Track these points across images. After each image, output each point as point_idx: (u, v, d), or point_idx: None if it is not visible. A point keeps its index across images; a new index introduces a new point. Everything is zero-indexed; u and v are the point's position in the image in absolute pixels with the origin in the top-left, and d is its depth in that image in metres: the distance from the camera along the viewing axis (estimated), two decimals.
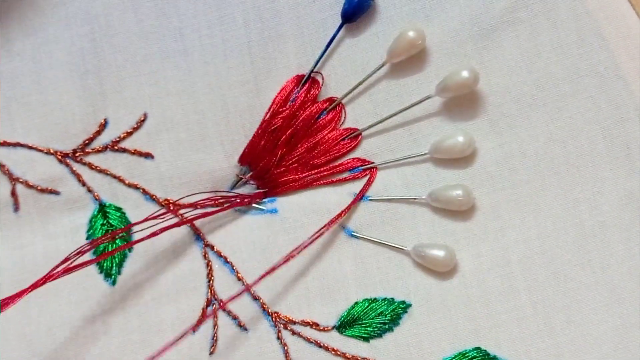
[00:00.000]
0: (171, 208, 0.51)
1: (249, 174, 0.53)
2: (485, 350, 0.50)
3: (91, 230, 0.52)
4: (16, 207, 0.53)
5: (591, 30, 0.51)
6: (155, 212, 0.50)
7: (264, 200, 0.53)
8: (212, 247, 0.52)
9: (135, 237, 0.51)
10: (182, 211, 0.52)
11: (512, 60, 0.51)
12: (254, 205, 0.52)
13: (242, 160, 0.52)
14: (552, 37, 0.51)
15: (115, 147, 0.53)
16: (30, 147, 0.53)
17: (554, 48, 0.51)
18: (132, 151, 0.53)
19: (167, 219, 0.50)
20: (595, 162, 0.51)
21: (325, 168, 0.52)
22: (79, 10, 0.52)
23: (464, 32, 0.51)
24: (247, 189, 0.53)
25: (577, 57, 0.51)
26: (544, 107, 0.51)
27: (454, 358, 0.50)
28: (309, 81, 0.52)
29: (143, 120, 0.52)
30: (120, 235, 0.52)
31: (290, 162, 0.52)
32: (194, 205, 0.51)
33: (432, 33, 0.51)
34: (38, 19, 0.53)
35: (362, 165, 0.52)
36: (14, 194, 0.53)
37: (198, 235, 0.52)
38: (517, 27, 0.51)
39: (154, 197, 0.52)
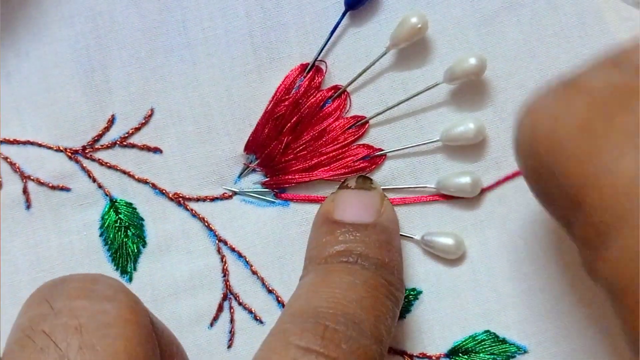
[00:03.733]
0: (180, 202, 0.50)
1: (256, 162, 0.51)
2: (494, 333, 0.49)
3: (104, 227, 0.51)
4: (28, 205, 0.51)
5: (591, 13, 0.50)
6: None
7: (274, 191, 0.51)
8: (226, 242, 0.50)
9: (149, 231, 0.50)
10: (192, 205, 0.51)
11: (514, 45, 0.50)
12: (265, 197, 0.51)
13: (248, 148, 0.51)
14: (553, 21, 0.50)
15: (124, 143, 0.51)
16: (40, 145, 0.51)
17: (556, 32, 0.50)
18: (141, 146, 0.51)
19: None
20: None
21: (333, 154, 0.50)
22: (82, 7, 0.51)
23: (466, 19, 0.50)
24: (255, 177, 0.51)
25: (578, 41, 0.50)
26: None
27: (464, 341, 0.49)
28: (313, 69, 0.51)
29: (150, 115, 0.51)
30: (131, 229, 0.50)
31: (297, 149, 0.51)
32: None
33: (434, 20, 0.50)
34: (43, 18, 0.51)
35: (370, 154, 0.51)
36: (25, 191, 0.51)
37: (211, 230, 0.51)
38: (519, 11, 0.50)
39: (164, 191, 0.51)
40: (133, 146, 0.51)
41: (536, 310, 0.49)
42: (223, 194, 0.51)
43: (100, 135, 0.51)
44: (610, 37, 0.50)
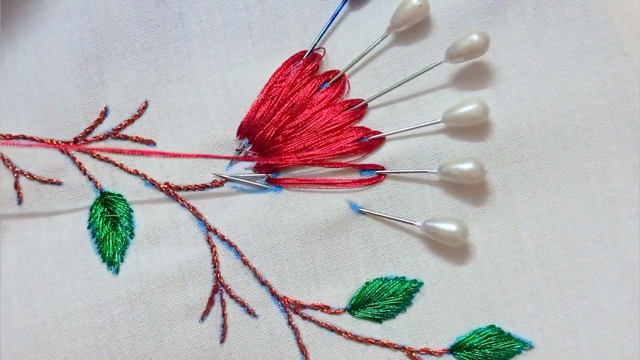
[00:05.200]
0: (170, 192, 0.49)
1: (249, 147, 0.49)
2: (499, 328, 0.47)
3: (92, 219, 0.49)
4: (19, 199, 0.49)
5: (595, 5, 0.49)
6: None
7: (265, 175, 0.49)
8: (215, 231, 0.48)
9: (138, 222, 0.48)
10: (182, 194, 0.49)
11: (517, 35, 0.49)
12: (256, 183, 0.49)
13: (241, 131, 0.49)
14: (557, 12, 0.50)
15: (117, 135, 0.50)
16: (33, 139, 0.49)
17: (560, 23, 0.49)
18: (134, 138, 0.50)
19: None
20: (602, 136, 0.49)
21: (328, 136, 0.49)
22: (78, 1, 0.50)
23: (468, 6, 0.49)
24: (247, 162, 0.49)
25: (582, 33, 0.49)
26: (551, 81, 0.49)
27: (468, 337, 0.47)
28: (310, 55, 0.50)
29: (144, 108, 0.50)
30: (120, 221, 0.48)
31: (291, 131, 0.49)
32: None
33: (436, 7, 0.49)
34: (40, 13, 0.50)
35: (367, 136, 0.49)
36: (17, 186, 0.49)
37: (200, 219, 0.48)
38: (522, 2, 0.50)
39: (154, 181, 0.49)
40: (126, 138, 0.50)
41: (542, 305, 0.47)
42: (213, 182, 0.49)
43: (92, 127, 0.50)
44: (613, 30, 0.49)
